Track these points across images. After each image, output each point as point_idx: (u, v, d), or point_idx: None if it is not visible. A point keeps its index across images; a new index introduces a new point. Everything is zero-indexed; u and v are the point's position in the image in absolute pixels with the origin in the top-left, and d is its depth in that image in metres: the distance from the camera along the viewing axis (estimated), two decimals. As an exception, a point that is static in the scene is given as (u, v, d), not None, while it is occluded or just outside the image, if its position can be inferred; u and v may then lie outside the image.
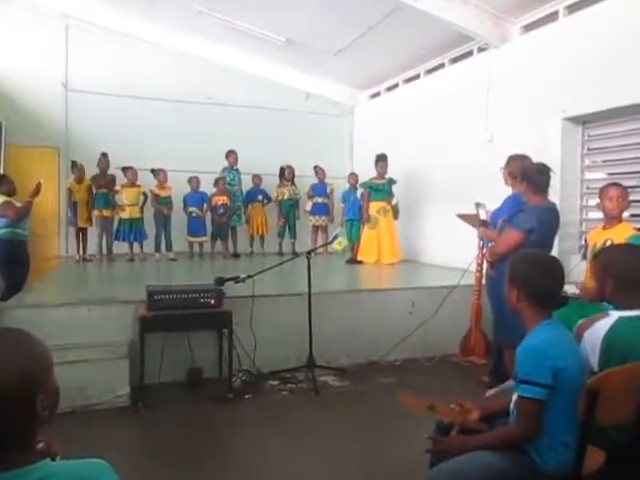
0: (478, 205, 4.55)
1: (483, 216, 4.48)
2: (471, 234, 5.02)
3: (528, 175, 3.81)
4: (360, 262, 7.74)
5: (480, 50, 7.08)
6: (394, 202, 7.83)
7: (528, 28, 6.33)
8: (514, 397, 1.92)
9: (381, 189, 7.75)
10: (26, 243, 5.90)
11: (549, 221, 3.81)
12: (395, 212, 7.83)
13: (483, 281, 4.77)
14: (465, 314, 5.08)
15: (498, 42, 6.52)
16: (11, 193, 5.77)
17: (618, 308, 2.08)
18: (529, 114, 6.00)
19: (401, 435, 3.42)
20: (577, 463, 1.78)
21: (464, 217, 5.03)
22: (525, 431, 1.83)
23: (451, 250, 6.96)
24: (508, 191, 4.38)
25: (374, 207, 7.71)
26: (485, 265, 4.55)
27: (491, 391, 4.12)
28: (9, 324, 3.95)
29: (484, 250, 4.66)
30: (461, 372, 4.86)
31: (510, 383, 3.68)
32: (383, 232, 7.68)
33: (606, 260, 2.18)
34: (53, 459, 1.13)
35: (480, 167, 6.46)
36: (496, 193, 4.54)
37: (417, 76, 8.65)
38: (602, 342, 1.97)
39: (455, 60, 7.73)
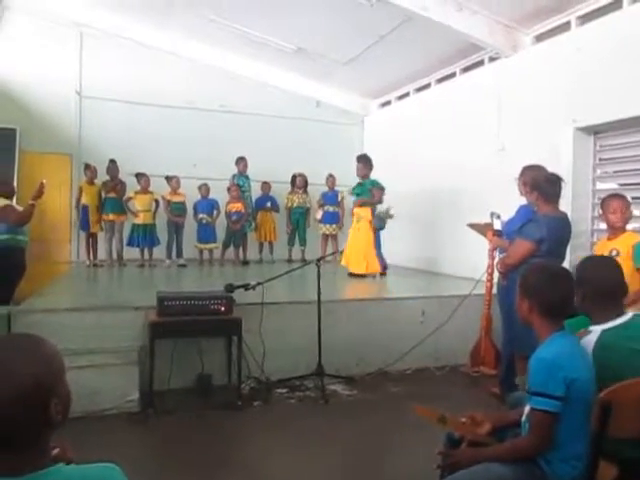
0: (493, 215, 4.53)
1: (498, 226, 4.46)
2: (482, 244, 5.01)
3: (538, 185, 3.80)
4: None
5: (491, 60, 7.08)
6: (382, 209, 7.21)
7: (540, 38, 6.33)
8: (526, 409, 1.91)
9: (354, 193, 7.37)
10: (25, 250, 5.66)
11: (559, 231, 3.79)
12: (376, 220, 7.11)
13: (494, 291, 4.76)
14: (475, 324, 5.05)
15: (509, 52, 6.52)
16: (9, 195, 5.54)
17: (590, 319, 2.15)
18: (540, 124, 5.99)
19: (411, 445, 3.41)
20: (589, 476, 1.77)
21: (475, 226, 5.02)
22: (537, 443, 1.82)
23: (461, 259, 6.96)
24: (520, 201, 4.36)
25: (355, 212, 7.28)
26: (496, 275, 4.55)
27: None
28: (21, 328, 4.00)
29: (496, 260, 4.63)
30: (471, 382, 4.83)
31: None
32: (351, 238, 7.16)
33: (578, 271, 2.22)
34: (68, 464, 1.14)
35: (491, 176, 6.46)
36: (508, 202, 4.53)
37: (428, 85, 8.66)
38: (592, 358, 1.97)
39: (466, 69, 7.73)
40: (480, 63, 7.38)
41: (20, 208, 5.49)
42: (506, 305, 3.98)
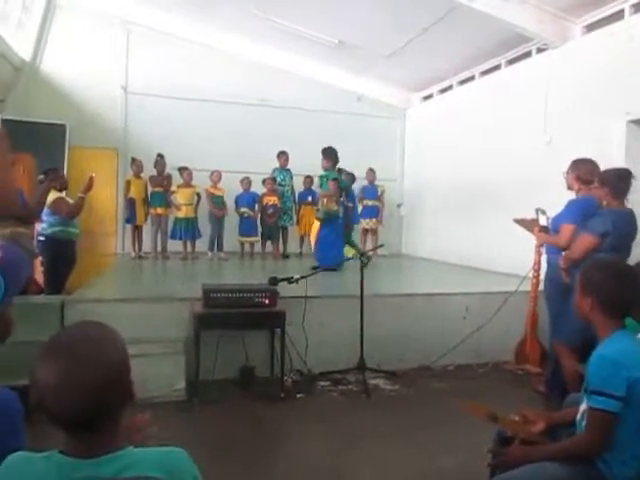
0: (538, 210, 4.44)
1: (543, 222, 4.37)
2: (526, 239, 4.91)
3: (610, 181, 3.69)
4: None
5: (539, 51, 6.90)
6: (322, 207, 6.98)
7: (591, 28, 6.13)
8: (582, 408, 1.87)
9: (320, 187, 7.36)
10: (76, 243, 5.86)
11: (625, 226, 3.67)
12: (320, 212, 6.99)
13: (540, 287, 4.66)
14: (519, 320, 4.97)
15: (558, 42, 6.34)
16: (62, 189, 5.70)
17: None
18: (591, 116, 5.81)
19: (455, 441, 3.38)
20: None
21: (521, 222, 4.92)
22: (594, 444, 1.78)
23: (504, 255, 6.83)
24: (566, 195, 4.24)
25: None
26: (542, 272, 4.47)
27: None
28: (73, 317, 4.14)
29: (544, 256, 4.54)
30: (515, 380, 4.75)
31: None
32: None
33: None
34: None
35: (538, 170, 6.32)
36: (554, 197, 4.40)
37: (472, 78, 8.52)
38: None
39: (512, 61, 7.56)
40: (527, 54, 7.21)
41: (71, 201, 5.67)
42: (562, 300, 3.86)
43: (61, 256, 5.59)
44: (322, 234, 6.92)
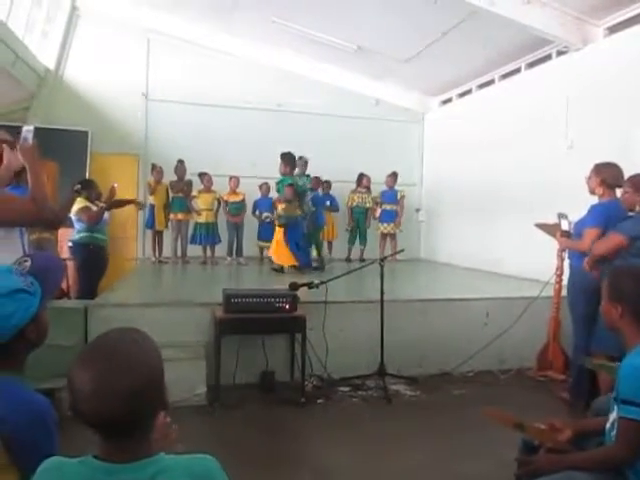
0: (561, 215, 4.39)
1: (565, 227, 4.32)
2: (549, 245, 4.85)
3: None
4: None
5: (559, 54, 6.84)
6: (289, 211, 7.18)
7: (613, 30, 6.06)
8: (612, 417, 1.84)
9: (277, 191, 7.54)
10: (105, 249, 5.98)
11: None
12: (281, 218, 7.20)
13: (563, 293, 4.60)
14: (541, 326, 4.91)
15: (580, 45, 6.27)
16: (95, 199, 5.88)
17: None
18: (613, 120, 5.73)
19: (476, 448, 3.35)
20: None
21: (543, 227, 4.87)
22: (624, 454, 1.74)
23: (525, 260, 6.76)
24: (588, 200, 4.18)
25: None
26: (565, 277, 4.41)
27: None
28: (97, 321, 4.20)
29: (566, 261, 4.48)
30: (537, 387, 4.69)
31: None
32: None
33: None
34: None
35: (559, 175, 6.25)
36: (576, 202, 4.35)
37: (491, 81, 8.46)
38: None
39: (532, 64, 7.50)
40: (547, 57, 7.14)
41: (94, 208, 5.82)
42: (587, 304, 3.81)
43: (89, 261, 5.73)
44: (289, 237, 7.07)
